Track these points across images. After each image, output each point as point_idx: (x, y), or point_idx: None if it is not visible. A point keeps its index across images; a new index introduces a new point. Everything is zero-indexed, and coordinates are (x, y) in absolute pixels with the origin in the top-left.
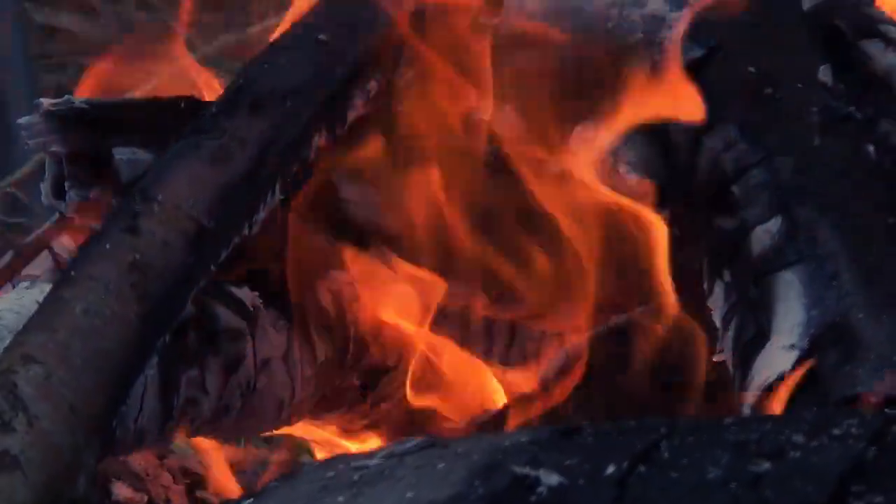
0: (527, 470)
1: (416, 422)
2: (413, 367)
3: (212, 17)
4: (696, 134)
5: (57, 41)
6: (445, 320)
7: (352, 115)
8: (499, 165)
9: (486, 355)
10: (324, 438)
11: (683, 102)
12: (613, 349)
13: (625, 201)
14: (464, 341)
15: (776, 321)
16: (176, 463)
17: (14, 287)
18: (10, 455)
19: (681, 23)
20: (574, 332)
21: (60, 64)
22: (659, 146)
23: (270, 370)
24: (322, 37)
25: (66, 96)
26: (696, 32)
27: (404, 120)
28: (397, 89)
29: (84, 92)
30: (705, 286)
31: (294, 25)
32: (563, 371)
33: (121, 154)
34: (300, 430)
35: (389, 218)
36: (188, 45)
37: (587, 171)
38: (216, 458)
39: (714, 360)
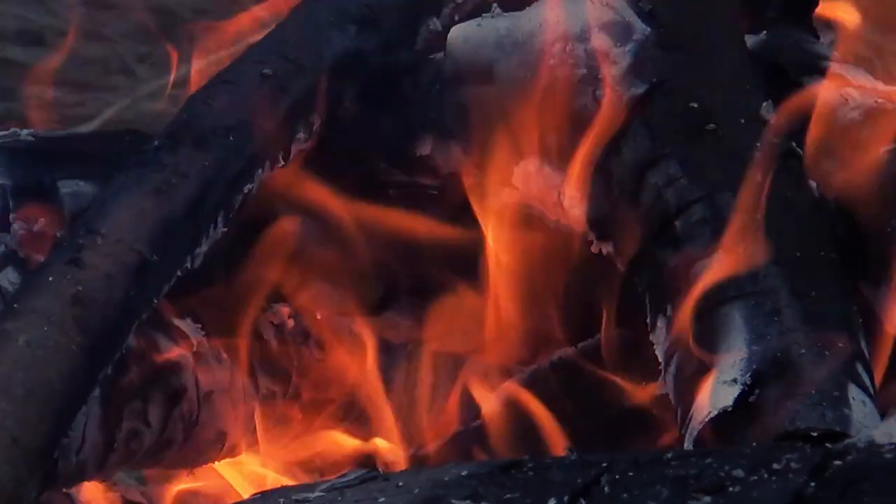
0: None
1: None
2: (352, 400)
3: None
4: (639, 169)
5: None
6: (389, 354)
7: (295, 149)
8: (441, 201)
9: (430, 388)
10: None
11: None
12: (558, 382)
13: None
14: (409, 375)
15: (718, 356)
16: (119, 495)
17: None
18: None
19: (624, 59)
20: (518, 366)
21: (8, 92)
22: (602, 181)
23: (213, 402)
24: (266, 71)
25: (12, 129)
26: (640, 68)
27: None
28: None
29: (33, 123)
30: (648, 321)
31: (238, 59)
32: (506, 404)
33: (65, 187)
34: (239, 463)
35: (329, 251)
36: (138, 77)
37: (531, 204)
38: (162, 492)
39: (656, 393)
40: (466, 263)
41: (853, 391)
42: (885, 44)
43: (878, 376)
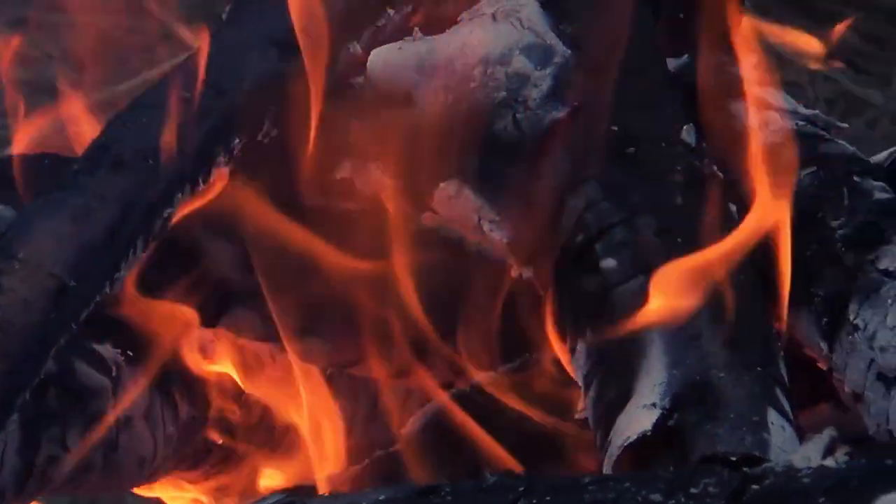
0: None
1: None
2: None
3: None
4: (559, 192)
5: None
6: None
7: (215, 172)
8: (361, 224)
9: (351, 412)
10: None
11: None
12: (480, 405)
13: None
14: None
15: (638, 381)
16: None
17: None
18: None
19: (545, 82)
20: (442, 388)
21: None
22: (523, 204)
23: (132, 428)
24: (185, 94)
25: None
26: (561, 91)
27: (266, 178)
28: (261, 147)
29: None
30: (568, 345)
31: (158, 83)
32: (425, 427)
33: None
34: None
35: (251, 275)
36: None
37: (451, 227)
38: None
39: (576, 417)
40: (386, 287)
41: (772, 416)
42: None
43: (797, 401)
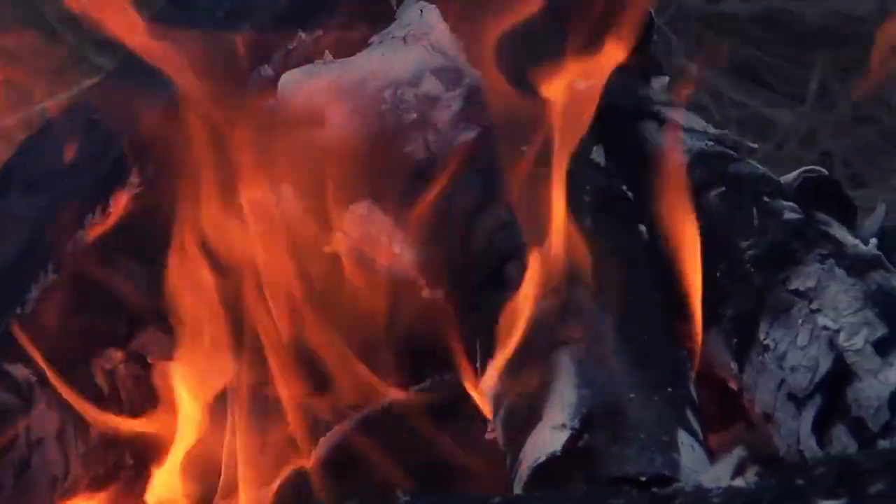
0: None
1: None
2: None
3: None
4: (470, 213)
5: None
6: (231, 399)
7: (126, 195)
8: (275, 246)
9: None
10: None
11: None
12: (390, 425)
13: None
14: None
15: (547, 401)
16: None
17: None
18: None
19: (455, 104)
20: (349, 410)
21: None
22: (434, 224)
23: (44, 448)
24: (94, 118)
25: None
26: (470, 113)
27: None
28: (171, 170)
29: None
30: (478, 365)
31: (69, 106)
32: (336, 449)
33: None
34: None
35: (161, 296)
36: None
37: (362, 249)
38: None
39: (486, 437)
40: (296, 307)
41: (682, 436)
42: (722, 89)
43: (707, 421)
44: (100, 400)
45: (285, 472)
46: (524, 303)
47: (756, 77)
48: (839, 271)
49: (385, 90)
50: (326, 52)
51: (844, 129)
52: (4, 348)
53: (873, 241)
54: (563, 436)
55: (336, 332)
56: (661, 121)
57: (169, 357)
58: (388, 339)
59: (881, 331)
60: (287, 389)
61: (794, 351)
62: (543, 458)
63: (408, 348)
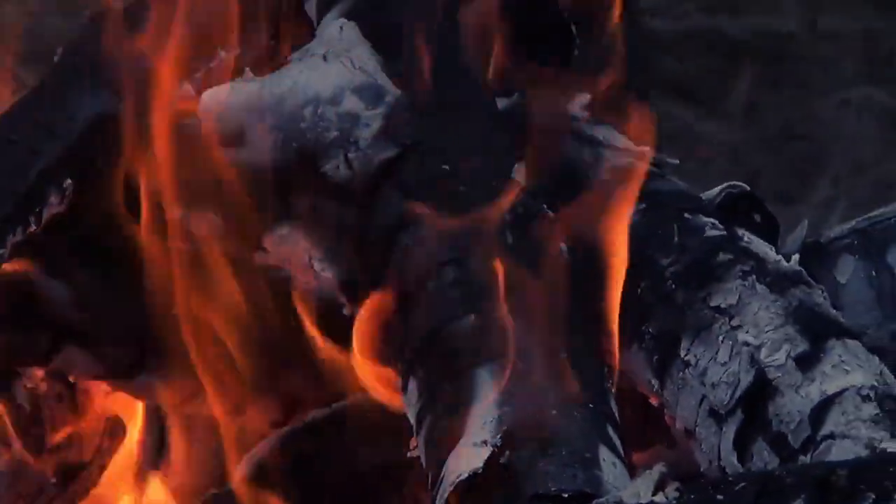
0: None
1: None
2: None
3: None
4: (390, 231)
5: None
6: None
7: (47, 213)
8: (197, 265)
9: (184, 451)
10: None
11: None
12: (312, 443)
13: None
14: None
15: (469, 418)
16: None
17: None
18: None
19: (376, 122)
20: (272, 428)
21: None
22: (353, 243)
23: None
24: (13, 137)
25: None
26: (391, 131)
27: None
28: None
29: None
30: (400, 382)
31: None
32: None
33: None
34: None
35: (82, 314)
36: None
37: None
38: None
39: (408, 455)
40: (220, 325)
41: (604, 452)
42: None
43: (629, 438)
44: (22, 419)
45: (211, 488)
46: (445, 320)
47: (683, 92)
48: (761, 287)
49: (305, 108)
50: (247, 69)
51: (772, 145)
52: None
53: (795, 256)
54: (485, 452)
55: (261, 349)
56: (584, 137)
57: (91, 374)
58: (312, 356)
59: (802, 346)
60: (214, 406)
61: (714, 367)
62: (465, 474)
63: (331, 364)
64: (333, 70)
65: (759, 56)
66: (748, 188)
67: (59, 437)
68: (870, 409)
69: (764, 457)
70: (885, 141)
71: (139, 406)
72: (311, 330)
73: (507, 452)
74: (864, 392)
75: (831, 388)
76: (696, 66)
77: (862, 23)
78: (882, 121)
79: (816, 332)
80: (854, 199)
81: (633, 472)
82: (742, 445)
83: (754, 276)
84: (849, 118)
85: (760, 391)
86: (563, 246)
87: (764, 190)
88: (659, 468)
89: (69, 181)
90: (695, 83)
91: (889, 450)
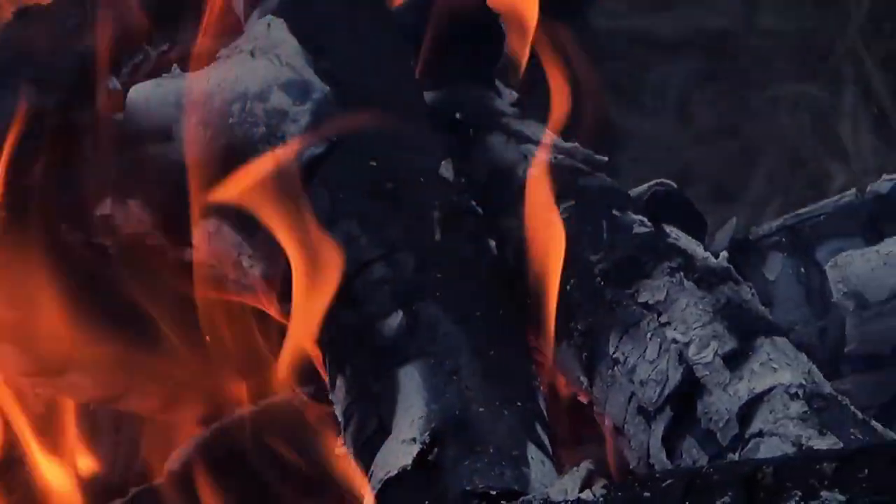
0: None
1: None
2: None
3: None
4: (320, 228)
5: None
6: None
7: None
8: (122, 261)
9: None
10: None
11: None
12: (240, 439)
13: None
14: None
15: (397, 416)
16: None
17: None
18: None
19: (303, 118)
20: (201, 424)
21: None
22: None
23: None
24: None
25: None
26: (319, 127)
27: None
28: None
29: None
30: (327, 380)
31: None
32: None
33: None
34: None
35: (9, 311)
36: None
37: (211, 264)
38: None
39: (336, 453)
40: (148, 322)
41: (532, 450)
42: None
43: (558, 435)
44: None
45: (139, 485)
46: (373, 317)
47: (618, 89)
48: (689, 284)
49: (233, 104)
50: (175, 66)
51: (706, 142)
52: None
53: (724, 254)
54: (413, 450)
55: (189, 346)
56: (510, 134)
57: (19, 371)
58: (240, 353)
59: (731, 344)
60: (142, 403)
61: (643, 364)
62: (393, 472)
63: (257, 362)
64: (261, 66)
65: (692, 52)
66: (675, 186)
67: None
68: (798, 407)
69: (693, 454)
70: (820, 137)
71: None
72: (240, 327)
73: (436, 450)
74: (793, 390)
75: (759, 386)
76: (630, 63)
77: (797, 20)
78: (816, 117)
79: (744, 329)
80: (789, 195)
81: (561, 469)
82: (671, 443)
83: (682, 273)
84: (783, 115)
85: (689, 389)
86: (491, 242)
87: (699, 187)
88: (586, 465)
89: None
90: (628, 80)
91: (816, 447)
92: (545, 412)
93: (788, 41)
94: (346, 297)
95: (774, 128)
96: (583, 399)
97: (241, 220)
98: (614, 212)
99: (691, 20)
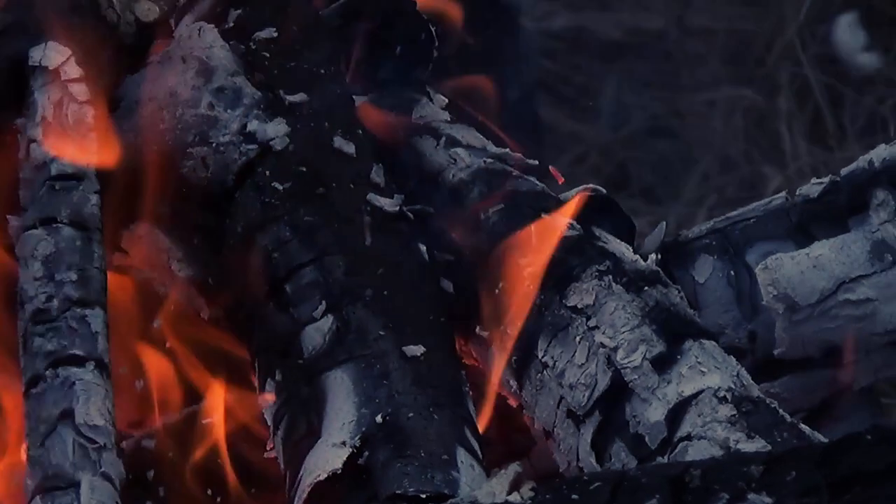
0: None
1: None
2: None
3: None
4: (249, 232)
5: None
6: None
7: None
8: None
9: None
10: None
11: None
12: (167, 444)
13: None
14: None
15: (327, 419)
16: None
17: None
18: None
19: (234, 124)
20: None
21: None
22: (211, 244)
23: None
24: None
25: None
26: (249, 132)
27: None
28: None
29: None
30: (257, 383)
31: None
32: None
33: None
34: None
35: None
36: None
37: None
38: None
39: (265, 456)
40: None
41: (461, 454)
42: None
43: (488, 438)
44: None
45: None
46: (303, 321)
47: (553, 91)
48: (617, 288)
49: (164, 110)
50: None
51: (641, 144)
52: None
53: (652, 256)
54: (343, 453)
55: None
56: (441, 138)
57: None
58: (169, 357)
59: (659, 347)
60: None
61: (572, 368)
62: (324, 475)
63: (187, 366)
64: (192, 72)
65: (626, 54)
66: (603, 190)
67: None
68: (726, 411)
69: (622, 458)
70: (755, 140)
71: None
72: (170, 332)
73: (366, 453)
74: (721, 394)
75: (688, 390)
76: (563, 65)
77: (732, 21)
78: (752, 120)
79: (673, 332)
80: (723, 196)
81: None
82: (600, 446)
83: (611, 276)
84: (718, 118)
85: (617, 393)
86: (422, 247)
87: (633, 188)
88: (514, 467)
89: None
90: (564, 81)
91: (744, 450)
92: (474, 416)
93: (724, 42)
94: (277, 301)
95: (709, 132)
96: (512, 403)
97: (173, 224)
98: (543, 215)
99: (626, 21)
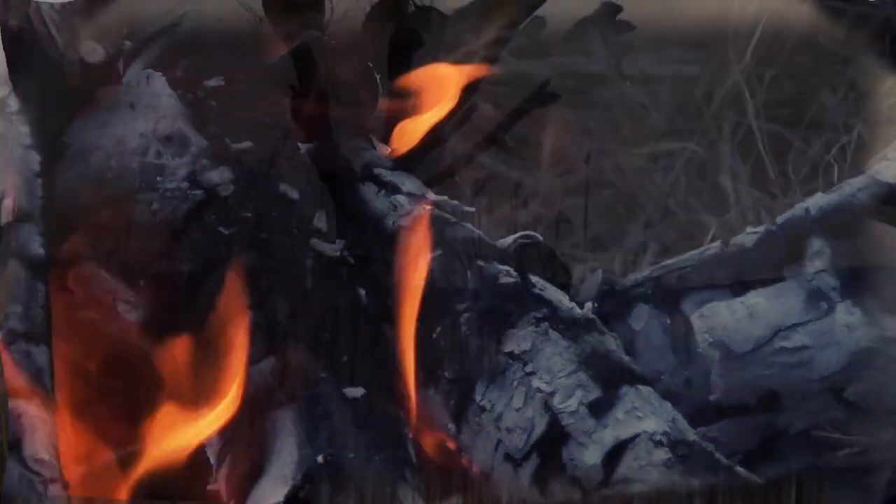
0: None
1: None
2: None
3: None
4: (195, 276)
5: None
6: None
7: None
8: None
9: None
10: None
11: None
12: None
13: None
14: None
15: (269, 458)
16: None
17: None
18: None
19: (181, 171)
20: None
21: None
22: (156, 286)
23: None
24: None
25: None
26: (196, 179)
27: None
28: None
29: None
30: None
31: None
32: None
33: None
34: None
35: None
36: None
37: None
38: None
39: (208, 489)
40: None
41: (403, 490)
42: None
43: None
44: None
45: None
46: (247, 362)
47: (494, 137)
48: (554, 334)
49: (111, 158)
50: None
51: (582, 191)
52: None
53: (589, 304)
54: (286, 487)
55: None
56: (382, 184)
57: None
58: (118, 396)
59: (595, 393)
60: None
61: (509, 412)
62: None
63: (134, 402)
64: (141, 120)
65: (565, 99)
66: (541, 238)
67: None
68: (662, 454)
69: (558, 499)
70: (697, 189)
71: None
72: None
73: (307, 486)
74: (657, 437)
75: (624, 434)
76: (503, 111)
77: (676, 66)
78: (694, 170)
79: (609, 378)
80: (665, 245)
81: None
82: (539, 487)
83: (547, 323)
84: (660, 169)
85: (554, 437)
86: (361, 291)
87: (575, 235)
88: (455, 501)
89: None
90: (502, 128)
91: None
92: (413, 457)
93: (667, 89)
94: (221, 343)
95: (649, 183)
96: (450, 445)
97: (120, 266)
98: (480, 262)
99: (563, 65)
